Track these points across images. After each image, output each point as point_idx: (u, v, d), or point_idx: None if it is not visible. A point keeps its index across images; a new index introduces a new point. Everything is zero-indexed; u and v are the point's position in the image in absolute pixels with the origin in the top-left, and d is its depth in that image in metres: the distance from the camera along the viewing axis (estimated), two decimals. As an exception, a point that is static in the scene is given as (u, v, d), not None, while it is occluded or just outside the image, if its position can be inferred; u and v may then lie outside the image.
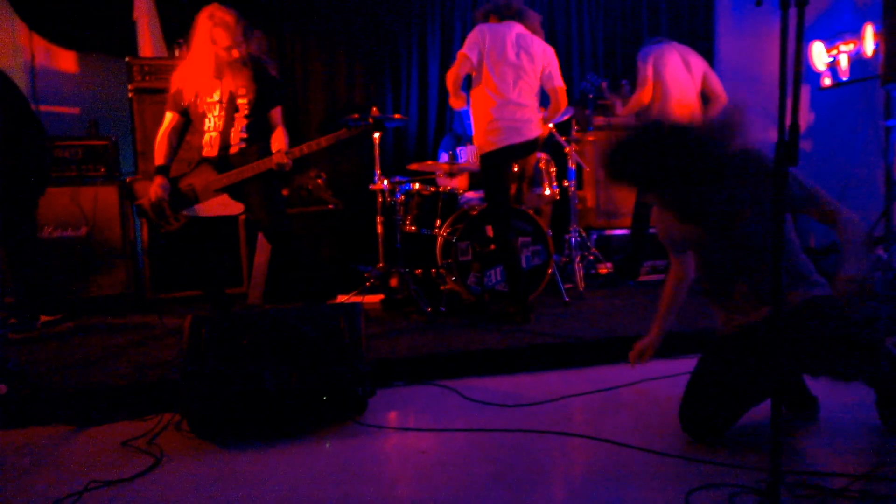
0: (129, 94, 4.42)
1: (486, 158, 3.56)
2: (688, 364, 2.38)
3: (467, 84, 3.65)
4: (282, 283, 4.44)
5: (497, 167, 3.55)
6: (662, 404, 2.49)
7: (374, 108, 4.27)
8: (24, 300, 3.76)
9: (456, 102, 3.57)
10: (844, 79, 3.90)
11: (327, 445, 2.27)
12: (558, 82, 3.64)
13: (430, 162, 4.44)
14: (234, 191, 3.26)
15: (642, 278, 4.78)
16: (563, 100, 3.66)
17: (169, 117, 3.33)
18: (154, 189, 3.23)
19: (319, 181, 4.63)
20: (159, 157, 3.30)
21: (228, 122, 3.24)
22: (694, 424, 2.14)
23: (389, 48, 5.46)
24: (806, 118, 5.15)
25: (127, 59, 4.44)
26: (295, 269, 3.47)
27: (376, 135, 4.27)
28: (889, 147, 3.64)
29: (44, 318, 3.76)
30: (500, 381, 2.90)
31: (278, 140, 3.29)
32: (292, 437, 2.33)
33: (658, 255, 5.02)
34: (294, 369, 2.36)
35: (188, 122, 3.35)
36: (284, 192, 4.76)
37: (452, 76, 3.50)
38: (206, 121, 3.26)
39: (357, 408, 2.48)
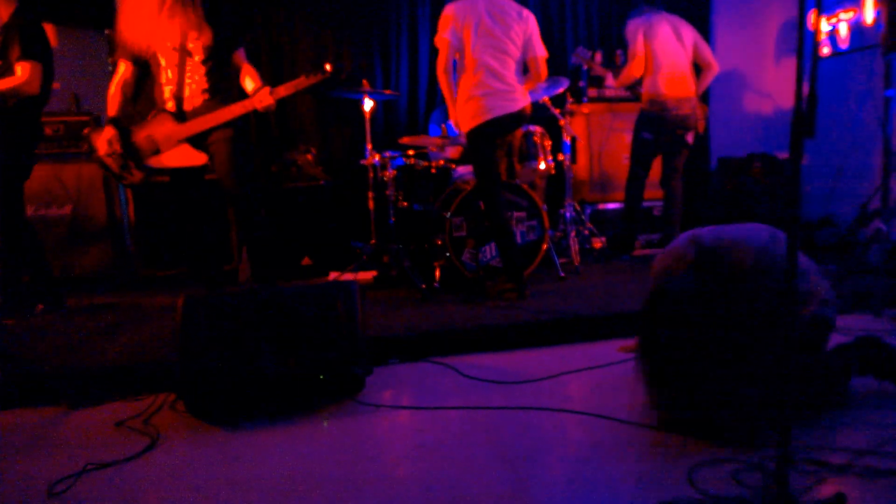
0: (110, 68, 4.30)
1: (472, 135, 3.50)
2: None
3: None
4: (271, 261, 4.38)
5: (484, 142, 3.49)
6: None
7: (365, 82, 4.20)
8: (17, 287, 3.65)
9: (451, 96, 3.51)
10: (844, 48, 3.85)
11: (325, 424, 2.25)
12: (540, 51, 3.55)
13: (422, 136, 4.37)
14: (198, 140, 3.05)
15: (636, 253, 4.77)
16: (544, 69, 3.56)
17: (122, 68, 3.12)
18: (101, 142, 3.05)
19: (309, 156, 4.55)
20: (111, 108, 3.12)
21: (182, 71, 3.01)
22: None
23: (379, 20, 5.33)
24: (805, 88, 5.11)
25: (106, 31, 4.32)
26: (252, 237, 3.28)
27: (367, 107, 4.19)
28: (888, 118, 3.62)
29: (41, 307, 3.66)
30: (497, 358, 2.89)
31: (250, 78, 3.08)
32: (290, 416, 2.31)
33: (651, 230, 5.01)
34: (291, 351, 2.33)
35: (145, 72, 3.13)
36: (273, 168, 4.68)
37: (441, 67, 3.43)
38: (162, 72, 3.04)
39: (355, 387, 2.46)
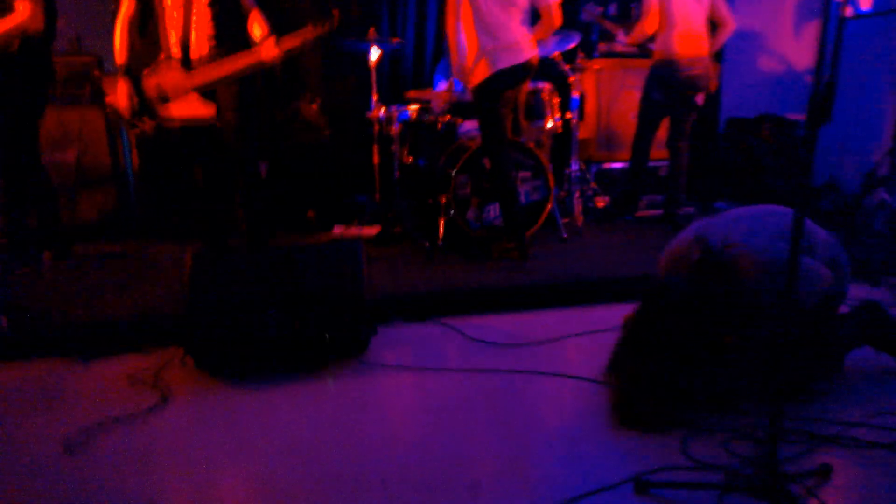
0: (113, 6, 4.20)
1: (478, 90, 3.45)
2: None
3: None
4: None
5: (490, 98, 3.44)
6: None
7: (371, 30, 4.11)
8: (23, 234, 3.66)
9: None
10: (866, 9, 3.74)
11: (330, 384, 2.32)
12: (556, 18, 3.47)
13: (428, 90, 4.31)
14: (206, 91, 3.00)
15: (639, 213, 4.78)
16: (557, 15, 3.46)
17: (125, 5, 3.04)
18: (120, 99, 3.01)
19: (314, 106, 4.49)
20: (120, 55, 3.02)
21: (188, 13, 2.95)
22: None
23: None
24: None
25: (107, -34, 4.19)
26: (248, 200, 3.20)
27: (373, 57, 4.12)
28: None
29: (49, 255, 3.68)
30: (499, 320, 2.94)
31: (258, 24, 2.99)
32: (296, 375, 2.37)
33: (656, 191, 4.99)
34: (297, 312, 2.37)
35: (149, 9, 3.04)
36: (279, 116, 4.63)
37: (451, 26, 3.36)
38: (168, 14, 2.97)
39: (359, 347, 2.52)
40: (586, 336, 2.71)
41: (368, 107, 4.25)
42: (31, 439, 1.96)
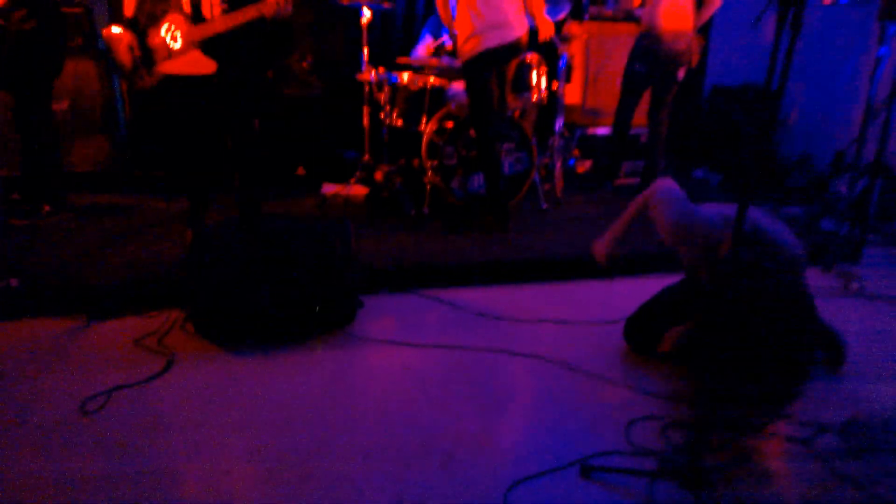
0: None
1: (467, 65, 3.55)
2: (656, 284, 2.65)
3: None
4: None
5: (478, 74, 3.55)
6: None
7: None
8: (32, 184, 3.78)
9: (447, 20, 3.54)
10: (844, -1, 3.84)
11: (319, 351, 2.55)
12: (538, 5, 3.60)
13: (419, 59, 4.36)
14: (209, 45, 3.01)
15: (620, 181, 4.95)
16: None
17: None
18: (123, 52, 3.04)
19: (304, 64, 4.54)
20: (128, 7, 3.06)
21: None
22: (631, 338, 2.58)
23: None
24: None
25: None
26: (242, 156, 3.25)
27: (364, 18, 4.16)
28: (875, 75, 3.70)
29: (47, 208, 3.81)
30: (479, 293, 3.17)
31: None
32: (289, 343, 2.59)
33: (637, 157, 5.15)
34: (289, 285, 2.57)
35: None
36: (269, 73, 4.68)
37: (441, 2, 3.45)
38: None
39: (347, 319, 2.74)
40: (554, 314, 2.95)
41: (359, 67, 4.31)
42: (47, 399, 2.18)
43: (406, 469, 1.86)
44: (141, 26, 3.06)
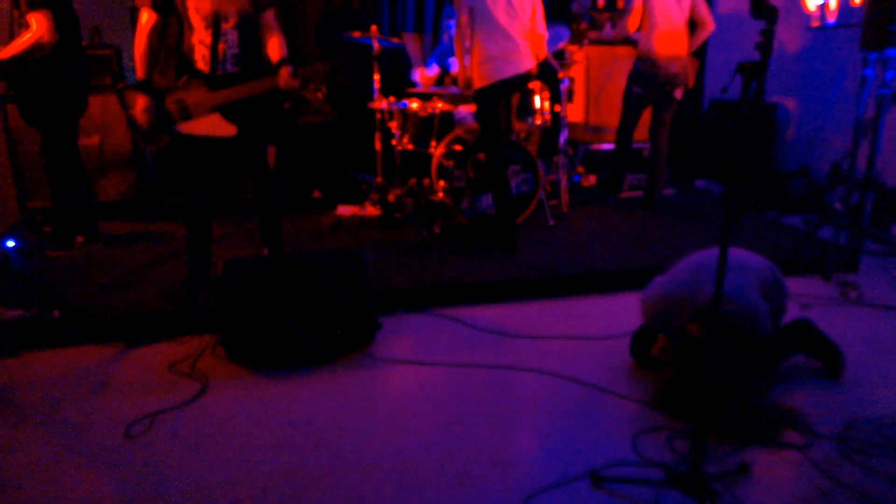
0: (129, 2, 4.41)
1: (479, 93, 3.73)
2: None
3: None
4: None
5: (490, 102, 3.73)
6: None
7: (374, 27, 4.32)
8: (63, 219, 3.96)
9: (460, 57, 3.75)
10: (831, 22, 3.99)
11: (341, 373, 2.71)
12: (540, 29, 3.84)
13: (421, 85, 4.55)
14: (228, 111, 3.08)
15: (623, 195, 5.11)
16: (542, 49, 3.90)
17: (145, 17, 3.01)
18: (139, 114, 3.05)
19: (319, 94, 4.73)
20: (140, 69, 3.03)
21: (216, 34, 2.99)
22: (636, 353, 2.72)
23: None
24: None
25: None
26: (265, 209, 3.34)
27: (375, 51, 4.35)
28: (862, 92, 3.86)
29: (80, 239, 4.00)
30: (491, 311, 3.32)
31: (275, 49, 3.07)
32: (313, 366, 2.76)
33: (639, 170, 5.30)
34: (313, 311, 2.74)
35: (169, 21, 3.04)
36: (286, 105, 4.88)
37: (462, 22, 3.66)
38: (195, 33, 3.00)
39: (366, 341, 2.90)
40: (565, 329, 3.10)
41: (370, 96, 4.51)
42: (94, 423, 2.35)
43: (425, 485, 2.01)
44: (156, 85, 3.09)
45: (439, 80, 4.99)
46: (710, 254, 2.60)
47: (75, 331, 2.97)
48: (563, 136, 4.71)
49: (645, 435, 2.25)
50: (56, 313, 2.99)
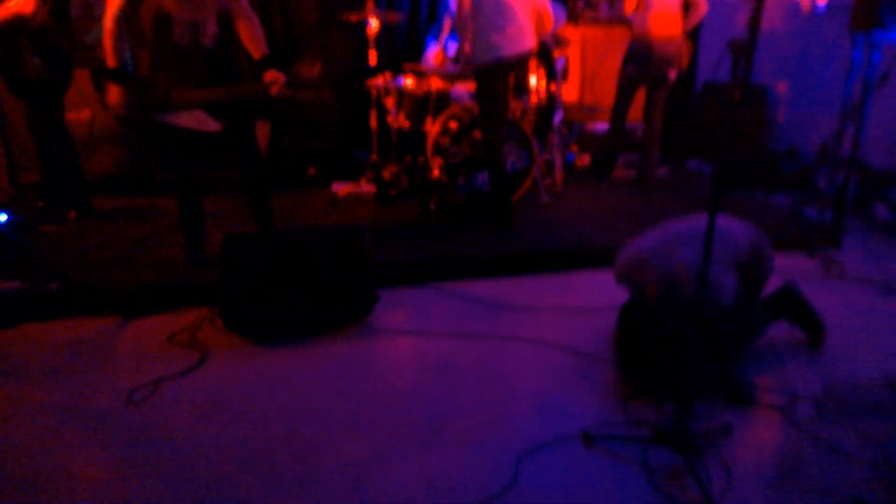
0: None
1: (482, 72, 3.75)
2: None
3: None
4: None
5: (491, 80, 3.76)
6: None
7: (369, 4, 4.33)
8: (55, 193, 3.97)
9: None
10: (821, 5, 4.05)
11: (340, 342, 2.77)
12: (549, 24, 3.93)
13: (422, 65, 4.57)
14: (215, 109, 3.04)
15: (616, 174, 5.17)
16: (550, 22, 3.94)
17: (115, 1, 2.86)
18: (114, 106, 2.94)
19: (315, 70, 4.73)
20: (110, 57, 2.86)
21: (196, 45, 2.92)
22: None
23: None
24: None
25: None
26: (257, 198, 3.35)
27: (372, 28, 4.36)
28: (850, 75, 3.94)
29: (73, 214, 4.01)
30: (486, 284, 3.38)
31: (250, 37, 3.02)
32: (312, 336, 2.81)
33: (633, 150, 5.36)
34: (311, 283, 2.79)
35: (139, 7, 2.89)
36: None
37: (466, 3, 3.66)
38: (176, 36, 2.91)
39: (364, 312, 2.95)
40: (559, 302, 3.17)
41: (366, 72, 4.52)
42: (94, 391, 2.39)
43: (425, 446, 2.08)
44: (145, 71, 2.97)
45: (455, 60, 5.00)
46: (689, 220, 2.67)
47: (73, 303, 3.00)
48: (558, 116, 4.75)
49: (635, 399, 2.33)
50: (54, 285, 3.02)
